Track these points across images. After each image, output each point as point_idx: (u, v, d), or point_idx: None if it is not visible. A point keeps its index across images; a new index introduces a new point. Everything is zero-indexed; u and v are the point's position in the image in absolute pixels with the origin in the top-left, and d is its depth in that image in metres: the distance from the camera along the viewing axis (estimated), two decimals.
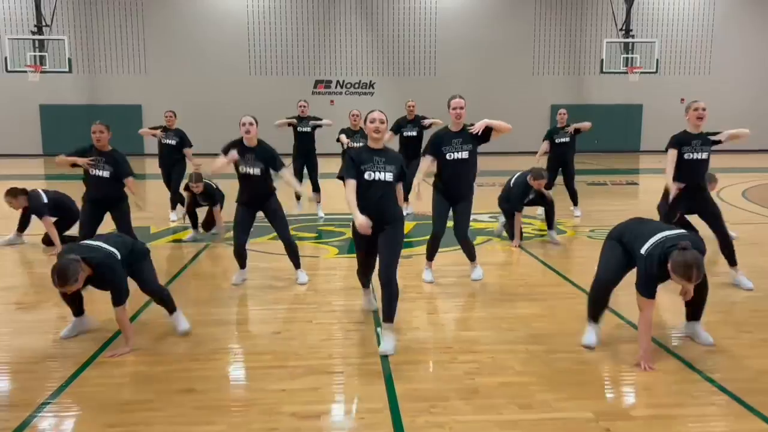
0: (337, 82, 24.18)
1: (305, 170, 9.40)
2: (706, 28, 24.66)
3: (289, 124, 9.31)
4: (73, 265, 3.86)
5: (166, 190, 9.39)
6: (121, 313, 4.09)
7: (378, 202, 4.16)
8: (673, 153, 5.54)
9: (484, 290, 5.60)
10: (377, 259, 4.33)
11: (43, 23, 21.12)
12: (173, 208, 9.12)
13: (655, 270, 3.71)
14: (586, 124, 9.20)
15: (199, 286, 5.84)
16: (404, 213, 4.97)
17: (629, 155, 23.46)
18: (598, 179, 14.95)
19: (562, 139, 9.19)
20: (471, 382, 3.62)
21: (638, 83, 22.23)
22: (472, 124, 5.38)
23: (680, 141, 5.56)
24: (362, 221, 4.03)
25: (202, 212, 8.07)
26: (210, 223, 8.03)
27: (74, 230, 7.03)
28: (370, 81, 24.24)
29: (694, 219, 5.90)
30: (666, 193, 5.67)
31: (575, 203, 9.39)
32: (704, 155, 5.52)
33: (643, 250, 3.80)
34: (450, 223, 5.63)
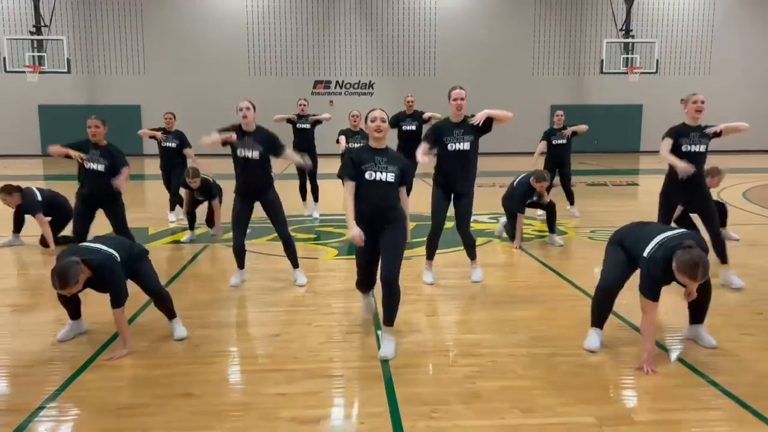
0: (337, 82, 24.15)
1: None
2: (706, 28, 24.65)
3: (289, 120, 9.27)
4: (74, 266, 3.83)
5: (164, 191, 9.36)
6: (120, 315, 4.05)
7: (378, 203, 4.07)
8: (668, 141, 5.47)
9: (485, 292, 5.56)
10: (378, 267, 4.18)
11: (42, 23, 21.08)
12: (172, 209, 9.09)
13: (659, 272, 3.68)
14: (582, 127, 9.29)
15: (197, 288, 5.80)
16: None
17: (629, 155, 23.45)
18: (598, 180, 14.92)
19: (559, 141, 9.29)
20: (472, 386, 3.58)
21: (638, 83, 22.21)
22: (473, 116, 5.35)
23: (678, 132, 5.49)
24: (355, 234, 3.97)
25: (202, 214, 8.04)
26: (212, 219, 8.02)
27: (68, 230, 7.01)
28: (370, 81, 24.22)
29: (695, 219, 5.88)
30: (664, 190, 5.64)
31: (572, 203, 9.42)
32: (702, 148, 5.46)
33: (645, 253, 3.77)
34: (450, 223, 5.59)
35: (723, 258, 5.57)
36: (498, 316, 4.86)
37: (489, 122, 5.33)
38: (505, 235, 7.76)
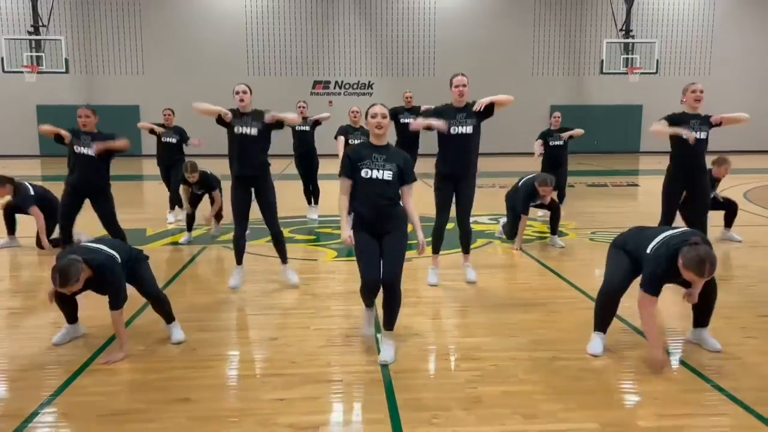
0: (336, 82, 24.11)
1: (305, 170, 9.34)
2: (706, 28, 24.62)
3: None
4: (75, 265, 3.80)
5: (163, 192, 9.30)
6: (118, 317, 4.01)
7: (376, 202, 3.94)
8: (663, 122, 5.43)
9: (486, 295, 5.50)
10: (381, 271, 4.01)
11: (40, 23, 21.02)
12: (171, 208, 9.03)
13: (661, 268, 3.64)
14: (578, 131, 9.38)
15: (195, 290, 5.75)
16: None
17: (629, 156, 23.42)
18: (598, 180, 14.88)
19: (556, 142, 9.37)
20: (473, 391, 3.53)
21: (638, 84, 22.17)
22: (475, 102, 5.32)
23: (675, 119, 5.43)
24: (346, 237, 3.93)
25: (202, 215, 7.99)
26: (218, 213, 8.01)
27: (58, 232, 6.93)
28: (369, 81, 24.17)
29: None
30: (666, 184, 5.60)
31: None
32: (703, 135, 5.40)
33: (648, 250, 3.76)
34: (450, 224, 5.54)
35: None
36: (498, 318, 4.81)
37: (491, 106, 5.33)
38: (503, 235, 7.72)
